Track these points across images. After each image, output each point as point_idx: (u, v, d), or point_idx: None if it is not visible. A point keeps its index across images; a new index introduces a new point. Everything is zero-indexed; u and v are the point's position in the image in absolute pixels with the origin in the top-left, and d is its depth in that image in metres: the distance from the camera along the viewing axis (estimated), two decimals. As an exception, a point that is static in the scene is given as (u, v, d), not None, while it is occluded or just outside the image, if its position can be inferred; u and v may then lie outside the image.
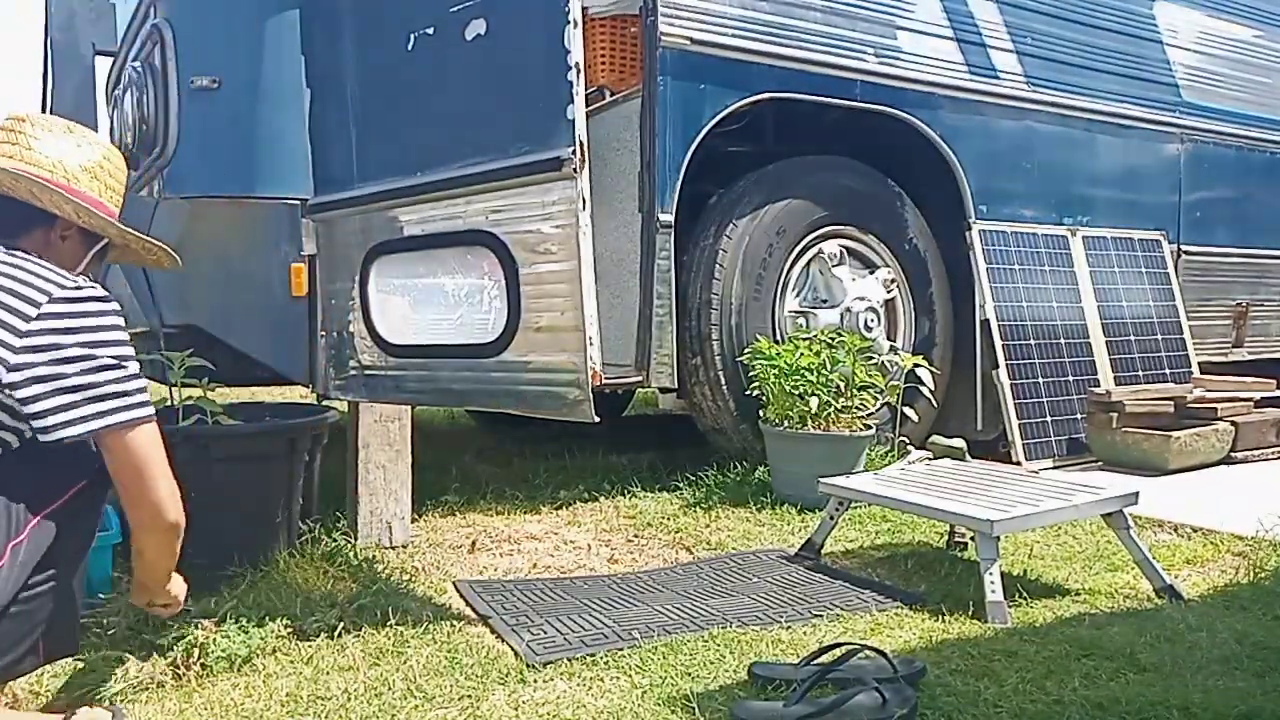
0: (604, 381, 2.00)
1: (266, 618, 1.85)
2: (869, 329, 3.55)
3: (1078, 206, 4.23)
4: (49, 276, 1.38)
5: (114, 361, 1.36)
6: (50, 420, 1.31)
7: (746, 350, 3.21)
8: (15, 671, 1.41)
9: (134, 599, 1.61)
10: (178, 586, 1.61)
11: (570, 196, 1.76)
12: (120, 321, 1.41)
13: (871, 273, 3.66)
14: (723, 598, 2.12)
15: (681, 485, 3.24)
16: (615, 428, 4.91)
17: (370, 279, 2.19)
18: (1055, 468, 3.69)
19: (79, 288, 1.38)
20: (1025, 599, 2.06)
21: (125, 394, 1.36)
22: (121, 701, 1.58)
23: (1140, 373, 4.19)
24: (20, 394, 1.30)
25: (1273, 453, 3.93)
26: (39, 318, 1.32)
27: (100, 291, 1.41)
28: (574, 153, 1.74)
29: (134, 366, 1.40)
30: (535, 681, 1.64)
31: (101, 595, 1.98)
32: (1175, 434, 3.57)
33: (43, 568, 1.36)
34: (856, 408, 3.12)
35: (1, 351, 1.29)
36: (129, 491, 1.39)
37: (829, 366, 3.05)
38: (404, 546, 2.53)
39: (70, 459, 1.38)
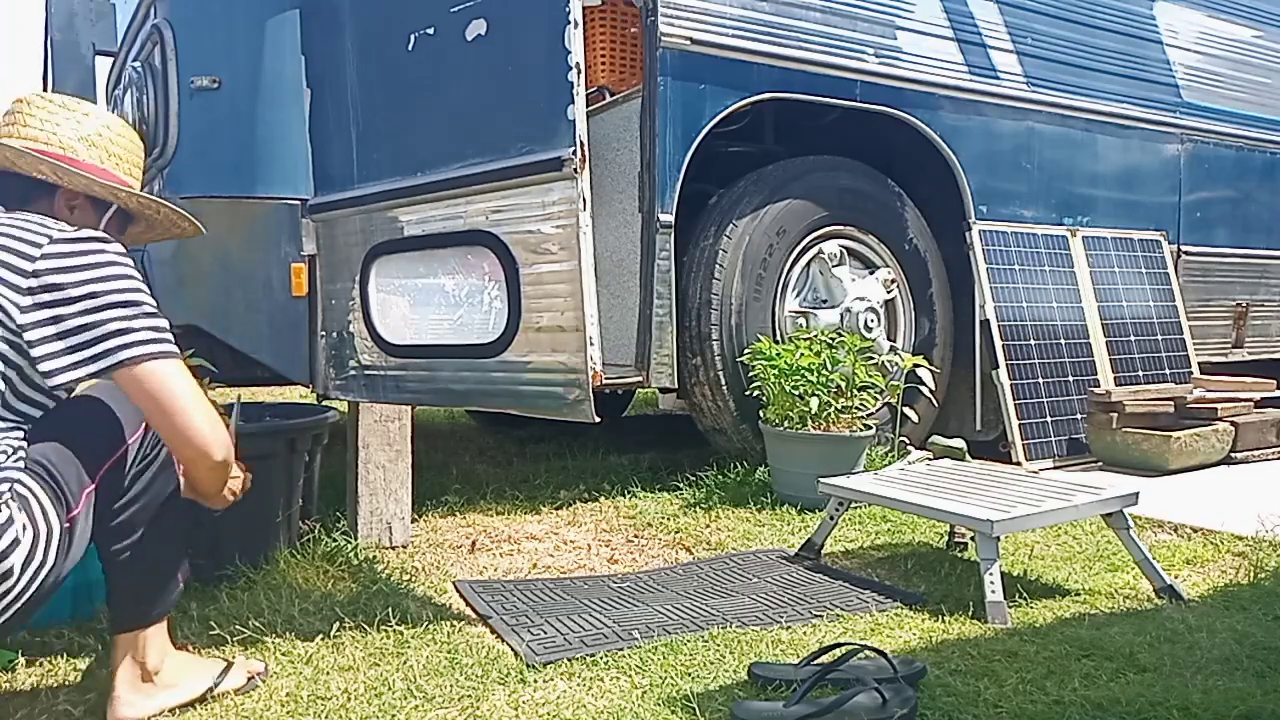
0: (604, 381, 2.00)
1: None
2: (869, 329, 3.55)
3: (1078, 206, 4.23)
4: (46, 224, 1.37)
5: (119, 300, 1.34)
6: (50, 365, 1.29)
7: (746, 350, 3.21)
8: (166, 607, 1.54)
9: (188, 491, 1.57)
10: (228, 496, 1.58)
11: (571, 197, 1.76)
12: (128, 261, 1.39)
13: (871, 273, 3.66)
14: (723, 598, 2.12)
15: (681, 485, 3.23)
16: (615, 428, 4.91)
17: (370, 279, 2.19)
18: (1055, 468, 3.69)
19: (78, 229, 1.38)
20: (1025, 599, 2.06)
21: (129, 330, 1.33)
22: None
23: (1140, 373, 4.19)
24: (27, 337, 1.29)
25: (1273, 453, 3.93)
26: (42, 258, 1.31)
27: (101, 234, 1.40)
28: (575, 153, 1.74)
29: (145, 304, 1.37)
30: (535, 681, 1.64)
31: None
32: (1175, 434, 3.57)
33: (147, 514, 1.45)
34: (856, 408, 3.12)
35: (13, 299, 1.29)
36: (162, 432, 1.37)
37: (829, 366, 3.05)
38: (404, 546, 2.54)
39: (110, 412, 1.39)
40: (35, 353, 1.29)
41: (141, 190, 1.63)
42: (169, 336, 1.38)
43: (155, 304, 1.39)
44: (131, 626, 1.50)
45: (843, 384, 3.08)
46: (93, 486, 1.36)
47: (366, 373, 2.24)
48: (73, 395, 1.43)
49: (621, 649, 1.77)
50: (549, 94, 1.76)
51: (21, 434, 1.32)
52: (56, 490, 1.31)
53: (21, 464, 1.29)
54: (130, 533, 1.45)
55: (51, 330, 1.30)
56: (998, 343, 3.75)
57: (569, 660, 1.73)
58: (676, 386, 3.27)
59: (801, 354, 3.05)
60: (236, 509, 2.19)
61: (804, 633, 1.89)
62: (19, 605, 1.25)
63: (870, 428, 3.15)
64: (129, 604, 1.50)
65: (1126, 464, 3.65)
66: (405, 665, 1.70)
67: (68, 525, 1.31)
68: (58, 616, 1.86)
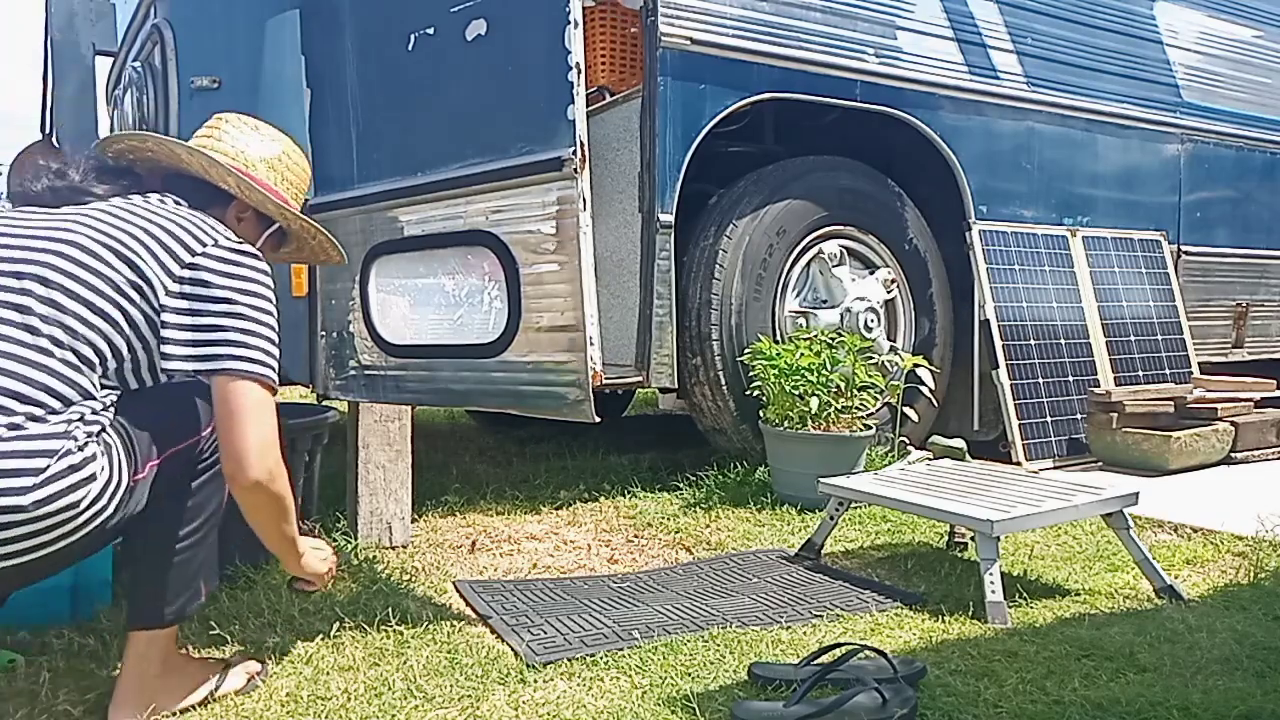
0: (604, 381, 2.01)
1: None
2: (869, 329, 3.55)
3: (1078, 206, 4.23)
4: (218, 228, 1.51)
5: (250, 313, 1.45)
6: (170, 349, 1.41)
7: (746, 350, 3.21)
8: (186, 613, 1.53)
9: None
10: (313, 562, 1.67)
11: (571, 197, 1.76)
12: (270, 283, 1.51)
13: (871, 273, 3.66)
14: (723, 598, 2.12)
15: (681, 485, 3.23)
16: (615, 428, 4.91)
17: (370, 279, 2.19)
18: (1055, 468, 3.69)
19: (240, 241, 1.51)
20: (1025, 599, 2.06)
21: (245, 345, 1.43)
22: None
23: (1140, 373, 4.19)
24: (164, 318, 1.40)
25: (1273, 453, 3.93)
26: (202, 254, 1.44)
27: (257, 251, 1.53)
28: (574, 153, 1.74)
29: (268, 325, 1.47)
30: (535, 681, 1.64)
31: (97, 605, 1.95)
32: (1175, 434, 3.57)
33: (193, 516, 1.49)
34: (856, 408, 3.12)
35: (164, 281, 1.41)
36: (220, 438, 1.44)
37: (829, 366, 3.05)
38: (404, 546, 2.53)
39: (191, 402, 1.46)
40: (165, 334, 1.40)
41: None
42: (274, 365, 1.48)
43: (277, 331, 1.49)
44: (148, 624, 1.50)
45: (842, 384, 3.08)
46: (156, 462, 1.42)
47: (366, 373, 2.24)
48: None
49: (621, 649, 1.77)
50: (549, 94, 1.76)
51: (117, 397, 1.40)
52: (130, 450, 1.38)
53: (111, 415, 1.37)
54: (192, 519, 1.49)
55: (187, 320, 1.41)
56: (998, 343, 3.75)
57: (569, 660, 1.73)
58: (676, 386, 3.27)
59: (801, 354, 3.05)
60: (237, 509, 2.20)
61: (804, 633, 1.89)
62: (73, 539, 1.30)
63: (870, 428, 3.15)
64: (152, 600, 1.50)
65: (1126, 464, 3.65)
66: (405, 665, 1.70)
67: (132, 485, 1.38)
68: (58, 616, 1.86)
